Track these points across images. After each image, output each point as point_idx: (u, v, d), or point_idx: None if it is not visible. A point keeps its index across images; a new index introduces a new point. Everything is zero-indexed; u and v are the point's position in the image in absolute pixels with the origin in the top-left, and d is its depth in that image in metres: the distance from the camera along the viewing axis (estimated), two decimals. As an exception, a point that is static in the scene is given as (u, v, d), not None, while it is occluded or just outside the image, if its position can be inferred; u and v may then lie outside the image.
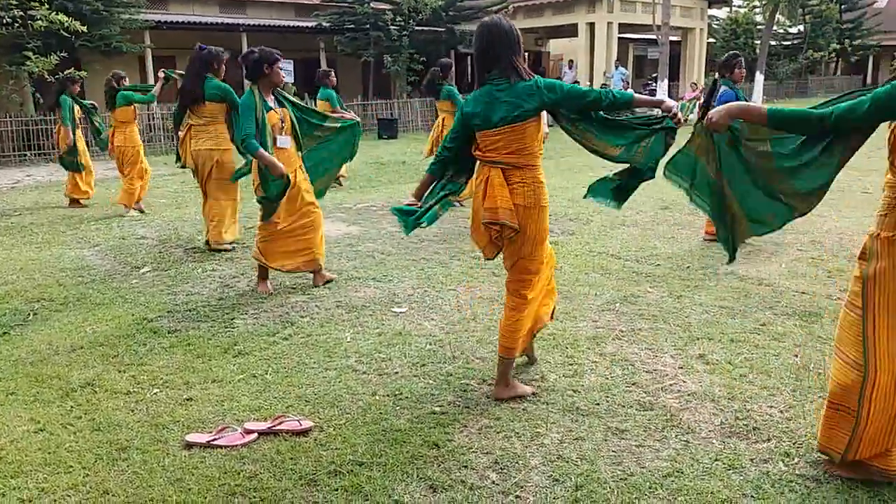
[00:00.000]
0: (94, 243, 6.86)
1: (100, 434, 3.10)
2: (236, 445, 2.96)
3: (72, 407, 3.37)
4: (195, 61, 6.09)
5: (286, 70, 16.08)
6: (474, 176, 3.39)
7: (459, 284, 5.20)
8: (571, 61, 26.03)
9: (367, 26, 20.42)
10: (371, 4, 20.51)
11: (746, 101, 6.04)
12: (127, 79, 9.15)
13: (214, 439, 2.99)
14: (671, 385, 3.49)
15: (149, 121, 15.86)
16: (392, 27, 20.09)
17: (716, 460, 2.82)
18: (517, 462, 2.83)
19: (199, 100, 6.06)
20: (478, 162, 3.34)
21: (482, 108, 3.19)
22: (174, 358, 3.94)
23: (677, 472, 2.74)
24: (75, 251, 6.54)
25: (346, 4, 20.88)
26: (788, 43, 34.27)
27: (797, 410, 3.20)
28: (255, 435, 3.03)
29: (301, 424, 3.09)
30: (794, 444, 2.92)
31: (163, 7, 20.81)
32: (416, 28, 20.71)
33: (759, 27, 31.28)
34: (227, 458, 2.88)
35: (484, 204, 3.18)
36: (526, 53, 27.77)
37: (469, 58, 27.95)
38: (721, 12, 32.66)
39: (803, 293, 4.88)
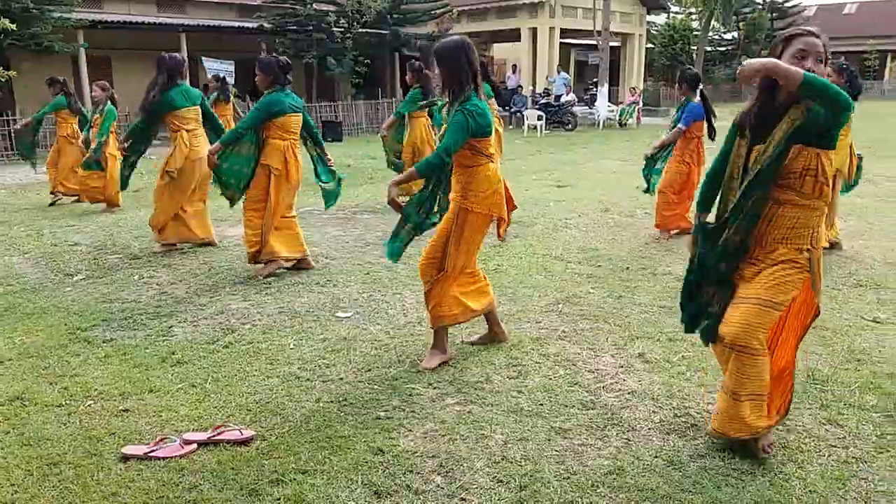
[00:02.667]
0: (24, 250, 6.59)
1: (30, 449, 2.98)
2: (175, 457, 2.88)
3: (-1, 422, 3.23)
4: (167, 68, 6.08)
5: (227, 71, 15.77)
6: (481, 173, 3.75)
7: (406, 288, 5.18)
8: (515, 66, 26.29)
9: (310, 28, 20.23)
10: (314, 6, 20.31)
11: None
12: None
13: (152, 451, 2.90)
14: (612, 384, 3.55)
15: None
16: (335, 29, 19.94)
17: (656, 457, 2.88)
18: (462, 465, 2.83)
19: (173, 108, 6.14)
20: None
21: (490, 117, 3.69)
22: (109, 368, 3.82)
23: (619, 469, 2.79)
24: (3, 259, 6.27)
25: (287, 5, 20.63)
26: (723, 49, 35.39)
27: (733, 406, 3.30)
28: (195, 445, 2.95)
29: (242, 434, 3.03)
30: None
31: (97, 6, 20.18)
32: (360, 30, 20.61)
33: (695, 33, 32.20)
34: (166, 470, 2.80)
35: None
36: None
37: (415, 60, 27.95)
38: (659, 18, 33.51)
39: (738, 292, 5.03)
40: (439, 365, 3.78)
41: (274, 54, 5.37)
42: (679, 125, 6.61)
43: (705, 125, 6.50)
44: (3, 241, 6.97)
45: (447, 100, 3.72)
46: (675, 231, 6.87)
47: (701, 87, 6.66)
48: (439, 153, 3.55)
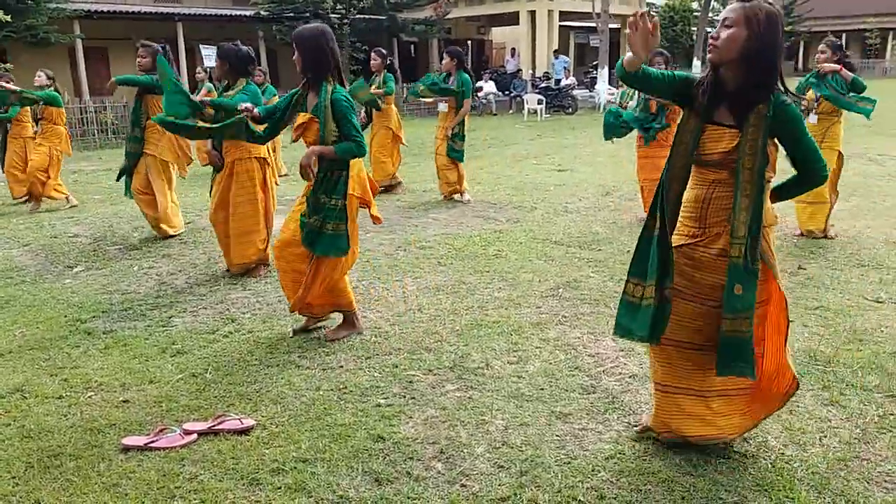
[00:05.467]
0: (24, 242, 6.58)
1: (30, 441, 2.98)
2: (175, 447, 2.88)
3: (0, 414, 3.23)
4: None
5: (208, 55, 15.62)
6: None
7: (405, 275, 5.17)
8: (514, 49, 26.14)
9: (307, 14, 20.10)
10: (310, -8, 20.21)
11: None
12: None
13: (152, 441, 2.90)
14: (612, 368, 3.54)
15: (81, 114, 15.28)
16: (332, 15, 19.83)
17: (656, 440, 2.86)
18: (462, 451, 2.83)
19: None
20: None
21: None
22: (109, 359, 3.82)
23: (619, 453, 2.78)
24: (3, 251, 6.27)
25: (284, -8, 20.53)
26: (724, 29, 35.09)
27: (734, 388, 3.29)
28: (195, 435, 2.95)
29: (242, 423, 3.02)
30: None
31: (93, -4, 20.09)
32: (357, 16, 20.49)
33: (695, 14, 31.97)
34: (166, 461, 2.80)
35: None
36: (468, 42, 27.78)
37: (413, 46, 27.83)
38: (659, 0, 33.25)
39: (739, 274, 5.01)
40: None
41: (238, 43, 5.09)
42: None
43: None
44: (3, 234, 6.97)
45: (302, 86, 3.83)
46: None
47: None
48: (361, 140, 3.72)
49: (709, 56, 2.50)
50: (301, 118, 3.78)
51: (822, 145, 5.89)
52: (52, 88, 8.06)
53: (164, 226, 6.44)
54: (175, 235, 6.51)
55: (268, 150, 5.25)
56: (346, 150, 3.69)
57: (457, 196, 7.96)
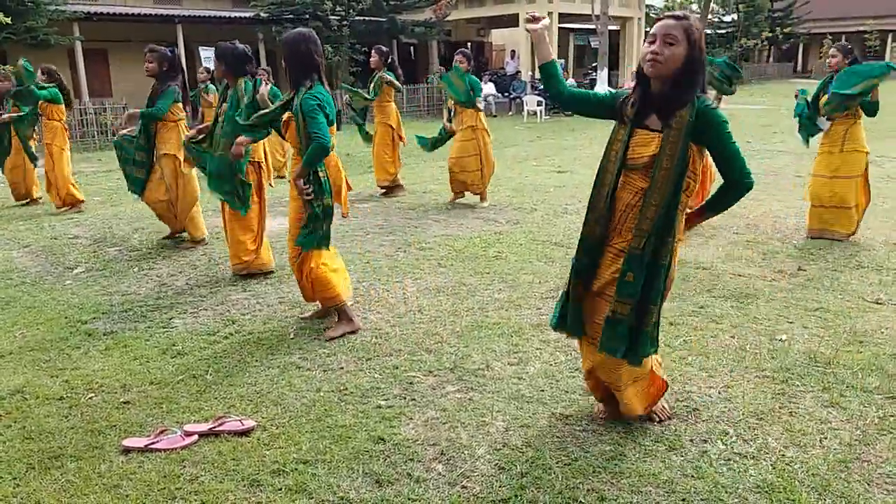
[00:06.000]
0: (24, 244, 6.58)
1: (31, 442, 2.98)
2: (176, 448, 2.88)
3: (0, 415, 3.23)
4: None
5: (207, 57, 15.65)
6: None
7: (406, 276, 5.17)
8: (514, 51, 26.17)
9: (307, 16, 20.13)
10: (310, -6, 20.23)
11: None
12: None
13: (153, 443, 2.90)
14: (614, 370, 3.54)
15: (81, 116, 15.27)
16: (332, 17, 19.85)
17: (657, 442, 2.87)
18: (463, 452, 2.83)
19: None
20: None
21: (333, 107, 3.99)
22: (110, 360, 3.82)
23: (620, 455, 2.79)
24: (3, 252, 6.27)
25: (283, -6, 20.55)
26: (723, 31, 35.18)
27: (734, 391, 3.29)
28: (196, 437, 2.95)
29: (243, 424, 3.02)
30: (731, 423, 3.00)
31: (93, -2, 20.11)
32: (357, 18, 20.51)
33: (694, 16, 32.03)
34: (167, 462, 2.80)
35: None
36: (468, 43, 27.80)
37: (412, 48, 27.84)
38: (658, 1, 33.32)
39: (739, 275, 5.02)
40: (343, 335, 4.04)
41: (235, 42, 4.99)
42: None
43: None
44: (3, 235, 6.97)
45: (291, 89, 3.92)
46: None
47: None
48: (322, 137, 3.79)
49: (650, 70, 2.57)
50: (286, 116, 3.98)
51: (844, 149, 5.83)
52: (55, 84, 8.04)
53: (189, 227, 6.29)
54: (201, 241, 6.30)
55: (263, 154, 5.24)
56: (310, 155, 3.82)
57: (481, 202, 7.80)
